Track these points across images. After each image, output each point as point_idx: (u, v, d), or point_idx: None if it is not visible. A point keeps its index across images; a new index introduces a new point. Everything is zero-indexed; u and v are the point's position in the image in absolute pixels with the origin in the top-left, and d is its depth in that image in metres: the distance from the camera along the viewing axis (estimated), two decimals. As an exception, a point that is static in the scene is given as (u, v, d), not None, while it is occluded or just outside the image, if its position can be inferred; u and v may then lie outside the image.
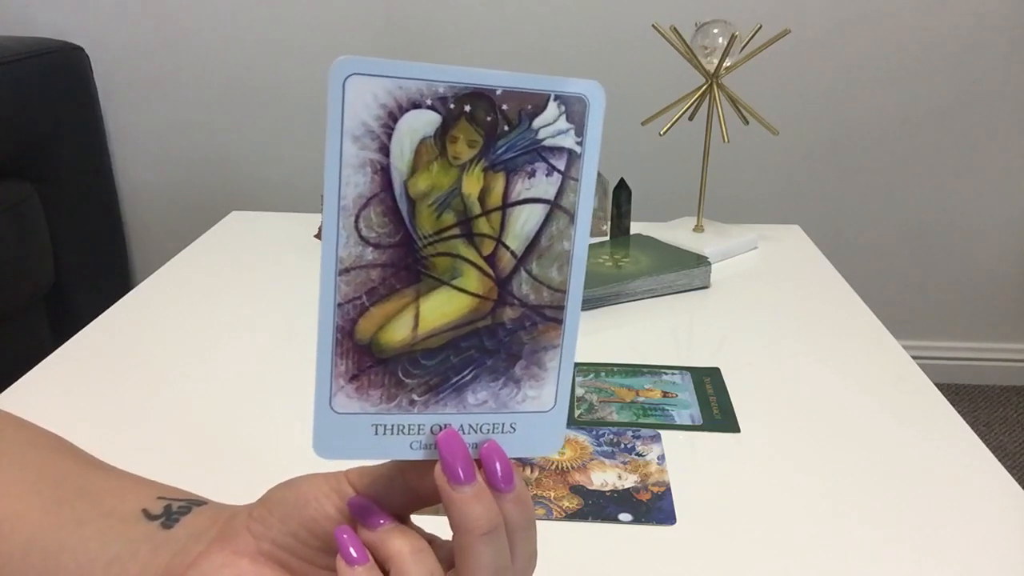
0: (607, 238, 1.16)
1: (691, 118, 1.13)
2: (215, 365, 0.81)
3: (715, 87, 1.09)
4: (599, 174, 1.16)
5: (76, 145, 1.65)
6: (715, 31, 1.07)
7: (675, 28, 1.07)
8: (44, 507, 0.37)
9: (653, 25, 1.11)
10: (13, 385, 0.77)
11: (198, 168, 1.82)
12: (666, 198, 1.76)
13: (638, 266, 1.01)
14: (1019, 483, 0.64)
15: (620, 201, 1.12)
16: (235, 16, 1.70)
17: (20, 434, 0.42)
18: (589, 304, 0.96)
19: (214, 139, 1.80)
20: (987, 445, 0.69)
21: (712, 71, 1.09)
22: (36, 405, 0.74)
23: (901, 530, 0.59)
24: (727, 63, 1.07)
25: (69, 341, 0.86)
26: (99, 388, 0.77)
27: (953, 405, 0.75)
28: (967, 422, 0.72)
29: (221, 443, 0.69)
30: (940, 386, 0.78)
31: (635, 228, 1.18)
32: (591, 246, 1.09)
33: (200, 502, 0.38)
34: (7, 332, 1.43)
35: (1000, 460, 0.68)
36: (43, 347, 1.05)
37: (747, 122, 1.12)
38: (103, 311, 0.93)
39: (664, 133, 1.12)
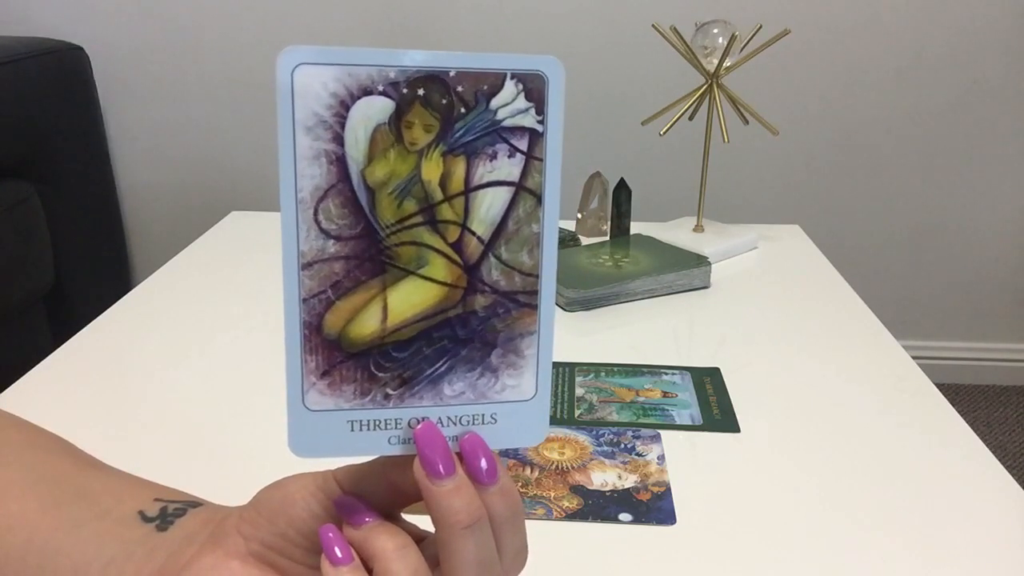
0: (607, 238, 1.16)
1: (691, 118, 1.13)
2: (215, 365, 0.81)
3: (715, 87, 1.09)
4: (598, 173, 1.16)
5: (76, 145, 1.65)
6: (715, 31, 1.07)
7: (675, 28, 1.07)
8: (42, 508, 0.37)
9: (653, 25, 1.11)
10: (13, 385, 0.77)
11: (198, 168, 1.82)
12: (666, 198, 1.76)
13: (638, 266, 1.01)
14: (1019, 483, 0.63)
15: (620, 201, 1.12)
16: (235, 16, 1.70)
17: (19, 434, 0.42)
18: (589, 304, 0.95)
19: (214, 139, 1.79)
20: (987, 445, 0.69)
21: (712, 71, 1.08)
22: (36, 405, 0.74)
23: (901, 530, 0.59)
24: (727, 63, 1.07)
25: (69, 341, 0.86)
26: (99, 388, 0.77)
27: (953, 405, 0.75)
28: (967, 422, 0.72)
29: (220, 442, 0.69)
30: (940, 386, 0.78)
31: (635, 228, 1.17)
32: (591, 246, 1.09)
33: (196, 504, 0.38)
34: (7, 332, 1.43)
35: (1000, 460, 0.68)
36: (43, 347, 1.05)
37: (747, 122, 1.12)
38: (103, 311, 0.93)
39: (664, 133, 1.12)
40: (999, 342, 1.90)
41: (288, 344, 0.31)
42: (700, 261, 1.03)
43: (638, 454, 0.67)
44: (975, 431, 0.71)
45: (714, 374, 0.81)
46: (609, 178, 1.18)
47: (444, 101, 0.30)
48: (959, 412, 0.74)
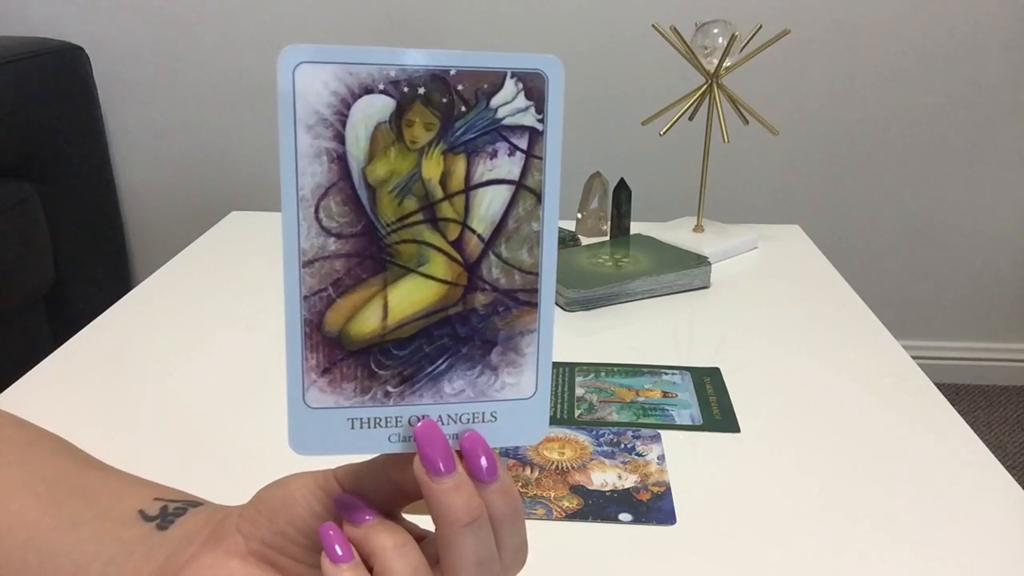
0: (607, 238, 1.16)
1: (691, 118, 1.13)
2: (215, 365, 0.81)
3: (715, 87, 1.09)
4: (598, 173, 1.16)
5: (76, 145, 1.65)
6: (715, 31, 1.07)
7: (675, 28, 1.07)
8: (42, 507, 0.37)
9: (653, 25, 1.11)
10: (13, 385, 0.77)
11: (198, 168, 1.82)
12: (666, 198, 1.76)
13: (638, 266, 1.01)
14: (1019, 483, 0.64)
15: (620, 201, 1.12)
16: (235, 16, 1.70)
17: (19, 434, 0.42)
18: (589, 304, 0.95)
19: (214, 139, 1.79)
20: (987, 445, 0.69)
21: (712, 71, 1.09)
22: (36, 405, 0.74)
23: (901, 530, 0.59)
24: (727, 63, 1.07)
25: (69, 341, 0.86)
26: (99, 388, 0.77)
27: (953, 405, 0.75)
28: (967, 422, 0.72)
29: (220, 442, 0.69)
30: (940, 386, 0.78)
31: (635, 228, 1.18)
32: (591, 246, 1.09)
33: (196, 503, 0.38)
34: (7, 332, 1.43)
35: (1000, 460, 0.68)
36: (43, 347, 1.05)
37: (747, 122, 1.12)
38: (103, 311, 0.93)
39: (664, 133, 1.12)
40: (999, 342, 1.90)
41: (289, 342, 0.31)
42: (700, 261, 1.03)
43: (638, 454, 0.67)
44: (975, 431, 0.71)
45: (714, 374, 0.81)
46: (609, 178, 1.18)
47: (444, 100, 0.30)
48: (959, 412, 0.74)
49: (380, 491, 0.33)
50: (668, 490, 0.63)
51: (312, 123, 0.29)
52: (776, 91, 1.71)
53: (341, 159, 0.30)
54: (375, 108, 0.29)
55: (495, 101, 0.30)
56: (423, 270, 0.32)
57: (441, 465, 0.31)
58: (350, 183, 0.30)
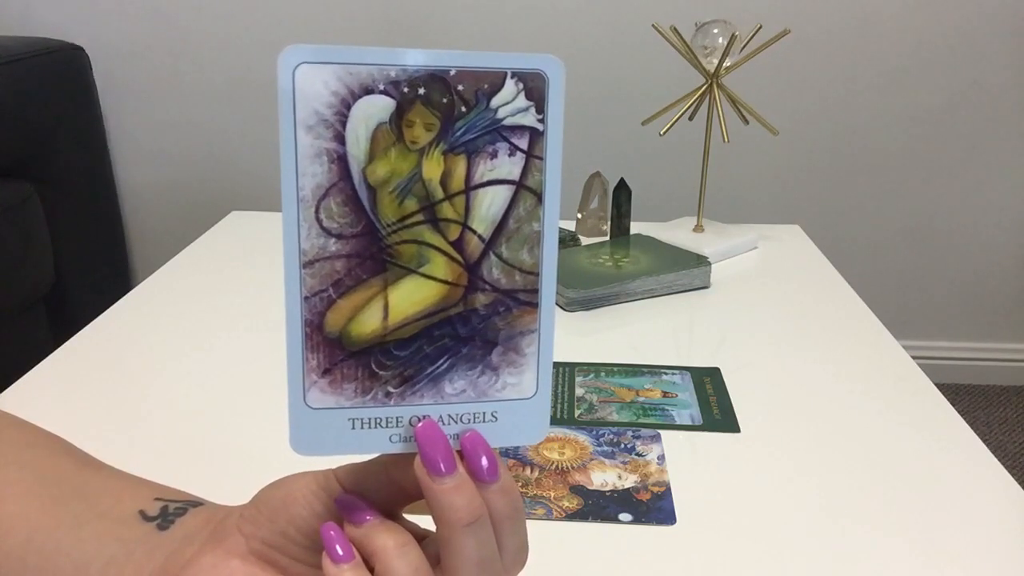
0: (607, 238, 1.16)
1: (691, 118, 1.13)
2: (215, 365, 0.81)
3: (715, 87, 1.09)
4: (598, 173, 1.16)
5: (76, 145, 1.65)
6: (715, 31, 1.07)
7: (675, 28, 1.07)
8: (42, 507, 0.37)
9: (653, 25, 1.11)
10: (13, 385, 0.77)
11: (198, 168, 1.82)
12: (666, 198, 1.76)
13: (638, 266, 1.01)
14: (1019, 483, 0.64)
15: (620, 201, 1.12)
16: (235, 16, 1.70)
17: (19, 434, 0.42)
18: (589, 304, 0.96)
19: (214, 139, 1.79)
20: (987, 445, 0.69)
21: (712, 71, 1.09)
22: (36, 405, 0.74)
23: (901, 530, 0.59)
24: (727, 63, 1.07)
25: (69, 341, 0.86)
26: (99, 388, 0.77)
27: (953, 405, 0.75)
28: (967, 422, 0.72)
29: (221, 442, 0.69)
30: (940, 386, 0.78)
31: (635, 228, 1.18)
32: (591, 246, 1.09)
33: (197, 503, 0.38)
34: (7, 332, 1.43)
35: (1000, 460, 0.68)
36: (43, 347, 1.05)
37: (747, 122, 1.12)
38: (103, 311, 0.93)
39: (664, 133, 1.12)
40: (999, 342, 1.90)
41: (289, 342, 0.31)
42: (700, 261, 1.03)
43: (638, 454, 0.67)
44: (975, 431, 0.71)
45: (714, 374, 0.81)
46: (609, 178, 1.18)
47: (445, 100, 0.30)
48: (959, 412, 0.74)
49: (381, 491, 0.33)
50: (668, 490, 0.63)
51: (312, 123, 0.29)
52: (776, 91, 1.71)
53: (341, 159, 0.30)
54: (375, 108, 0.30)
55: (495, 101, 0.31)
56: (424, 270, 0.32)
57: (442, 465, 0.31)
58: (350, 183, 0.30)
